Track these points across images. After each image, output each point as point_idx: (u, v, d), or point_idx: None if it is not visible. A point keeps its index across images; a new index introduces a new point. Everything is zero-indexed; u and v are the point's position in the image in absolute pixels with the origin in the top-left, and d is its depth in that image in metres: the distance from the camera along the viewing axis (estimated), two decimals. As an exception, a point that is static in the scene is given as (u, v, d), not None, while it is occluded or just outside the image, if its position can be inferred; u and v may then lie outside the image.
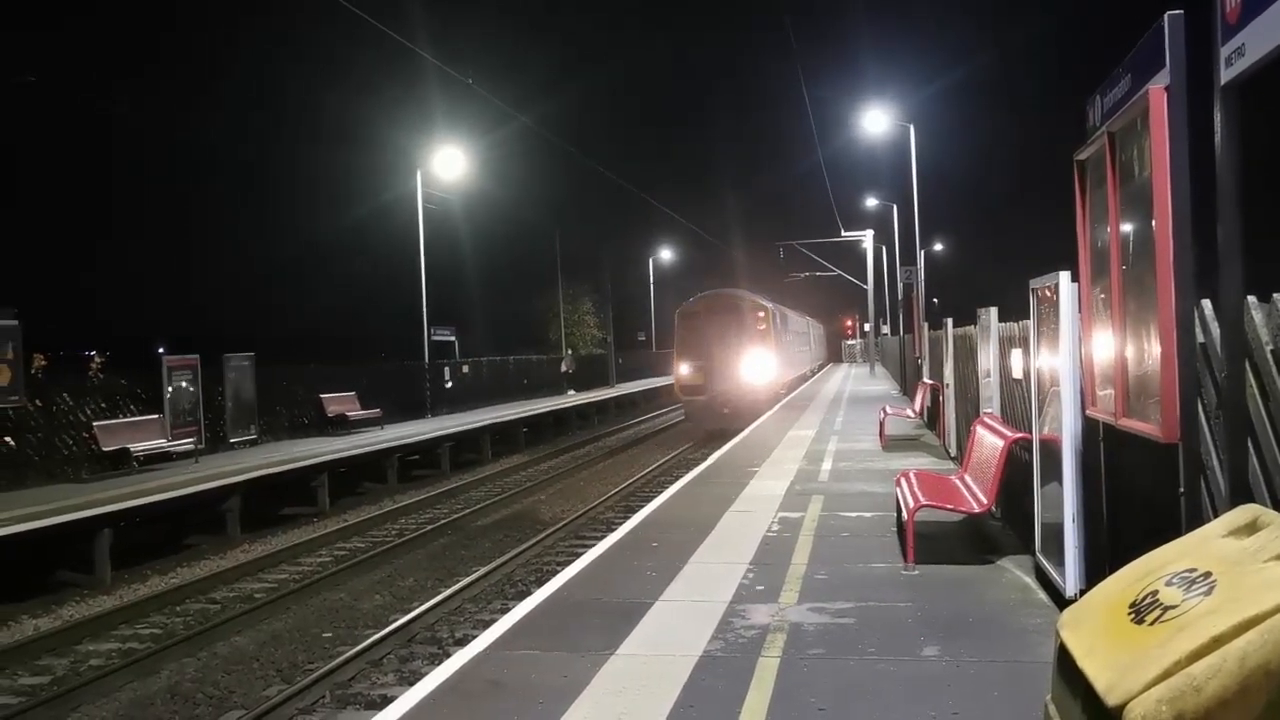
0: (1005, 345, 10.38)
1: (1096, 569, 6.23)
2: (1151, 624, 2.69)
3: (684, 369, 32.00)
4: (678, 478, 15.57)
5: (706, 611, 7.35)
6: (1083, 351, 6.39)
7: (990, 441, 9.31)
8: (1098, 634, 2.88)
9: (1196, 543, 3.11)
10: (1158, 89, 4.63)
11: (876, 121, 33.07)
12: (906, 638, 6.56)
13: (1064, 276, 6.65)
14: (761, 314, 32.35)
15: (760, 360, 31.68)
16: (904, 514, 8.89)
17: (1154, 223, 4.65)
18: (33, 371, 20.51)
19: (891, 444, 17.79)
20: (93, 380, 20.98)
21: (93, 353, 71.22)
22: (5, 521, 12.70)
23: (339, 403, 26.06)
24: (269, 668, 9.87)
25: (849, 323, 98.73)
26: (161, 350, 28.64)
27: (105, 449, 17.79)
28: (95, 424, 18.00)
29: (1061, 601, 6.59)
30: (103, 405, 18.91)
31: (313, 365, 28.09)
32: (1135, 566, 3.16)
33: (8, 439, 16.87)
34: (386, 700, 7.78)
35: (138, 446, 18.26)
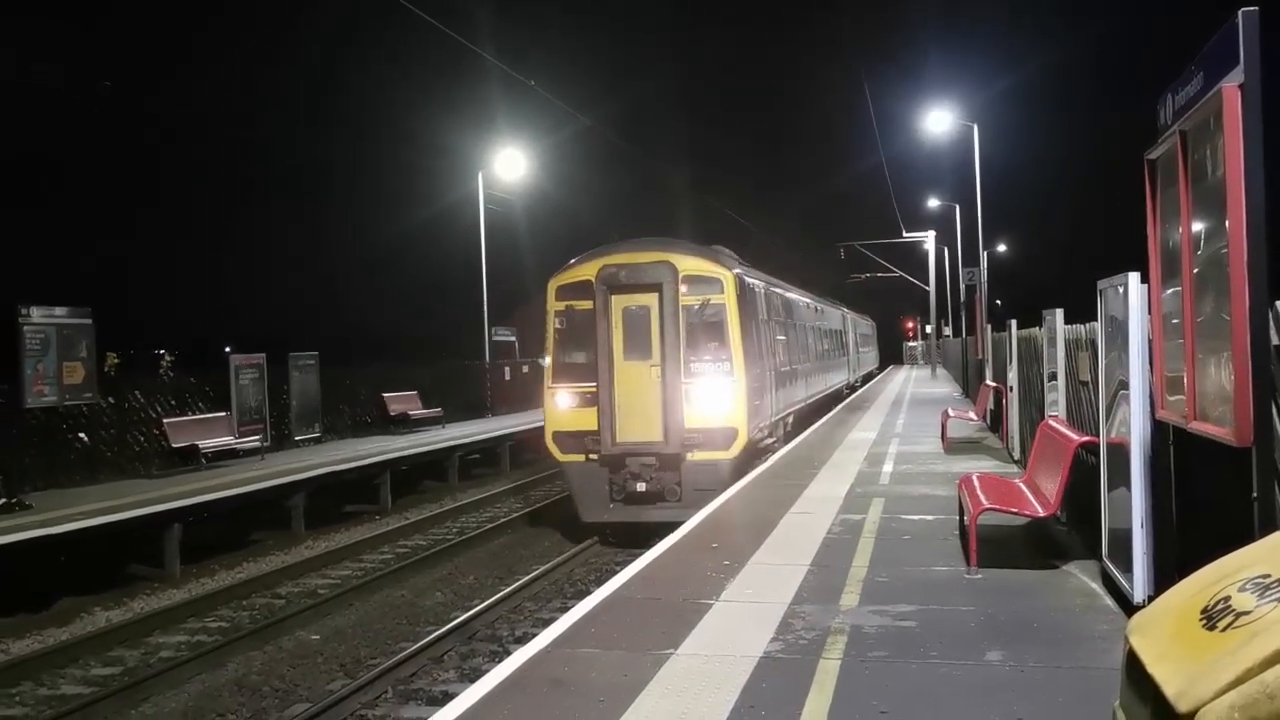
0: (1072, 347, 10.22)
1: (1165, 575, 6.12)
2: (1224, 630, 2.65)
3: (560, 400, 16.43)
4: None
5: (767, 612, 7.33)
6: (1152, 353, 6.28)
7: (1056, 445, 9.17)
8: (1168, 640, 2.84)
9: (1270, 548, 3.06)
10: (1231, 87, 4.54)
11: (939, 121, 32.71)
12: (970, 642, 6.50)
13: (1133, 277, 6.53)
14: (716, 287, 15.75)
15: (716, 384, 15.46)
16: (966, 517, 8.79)
17: (1227, 223, 4.56)
18: (105, 369, 20.96)
19: (954, 447, 17.59)
20: (163, 378, 21.43)
21: (162, 351, 72.74)
22: (79, 516, 13.05)
23: (401, 402, 26.35)
24: (333, 662, 10.03)
25: (910, 324, 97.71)
26: (229, 349, 29.17)
27: (175, 445, 18.16)
28: (165, 421, 18.41)
29: (1128, 607, 6.49)
30: (172, 402, 19.32)
31: (375, 364, 28.40)
32: (1206, 572, 3.11)
33: (82, 435, 17.32)
34: (448, 697, 7.86)
35: (206, 443, 18.62)
